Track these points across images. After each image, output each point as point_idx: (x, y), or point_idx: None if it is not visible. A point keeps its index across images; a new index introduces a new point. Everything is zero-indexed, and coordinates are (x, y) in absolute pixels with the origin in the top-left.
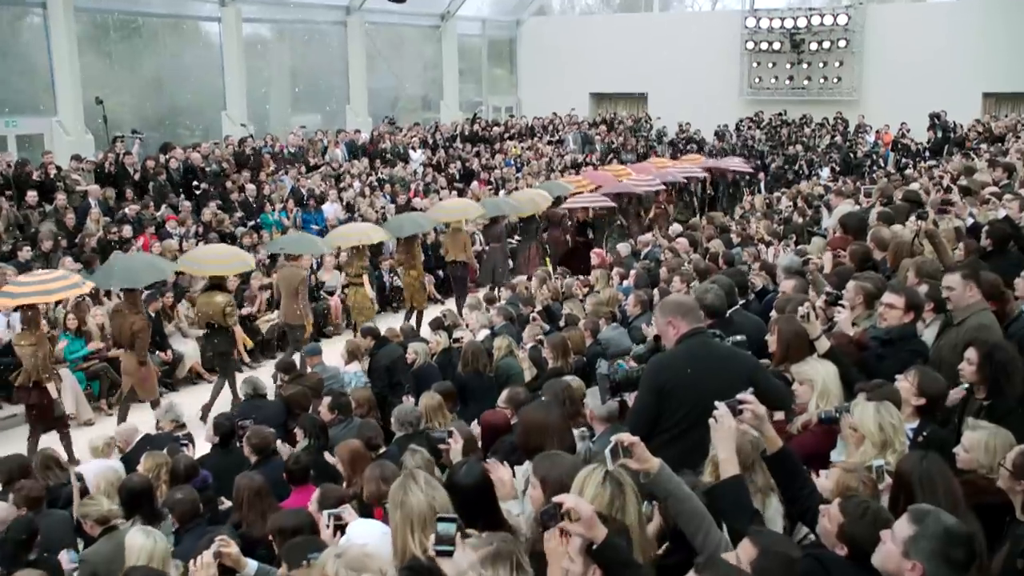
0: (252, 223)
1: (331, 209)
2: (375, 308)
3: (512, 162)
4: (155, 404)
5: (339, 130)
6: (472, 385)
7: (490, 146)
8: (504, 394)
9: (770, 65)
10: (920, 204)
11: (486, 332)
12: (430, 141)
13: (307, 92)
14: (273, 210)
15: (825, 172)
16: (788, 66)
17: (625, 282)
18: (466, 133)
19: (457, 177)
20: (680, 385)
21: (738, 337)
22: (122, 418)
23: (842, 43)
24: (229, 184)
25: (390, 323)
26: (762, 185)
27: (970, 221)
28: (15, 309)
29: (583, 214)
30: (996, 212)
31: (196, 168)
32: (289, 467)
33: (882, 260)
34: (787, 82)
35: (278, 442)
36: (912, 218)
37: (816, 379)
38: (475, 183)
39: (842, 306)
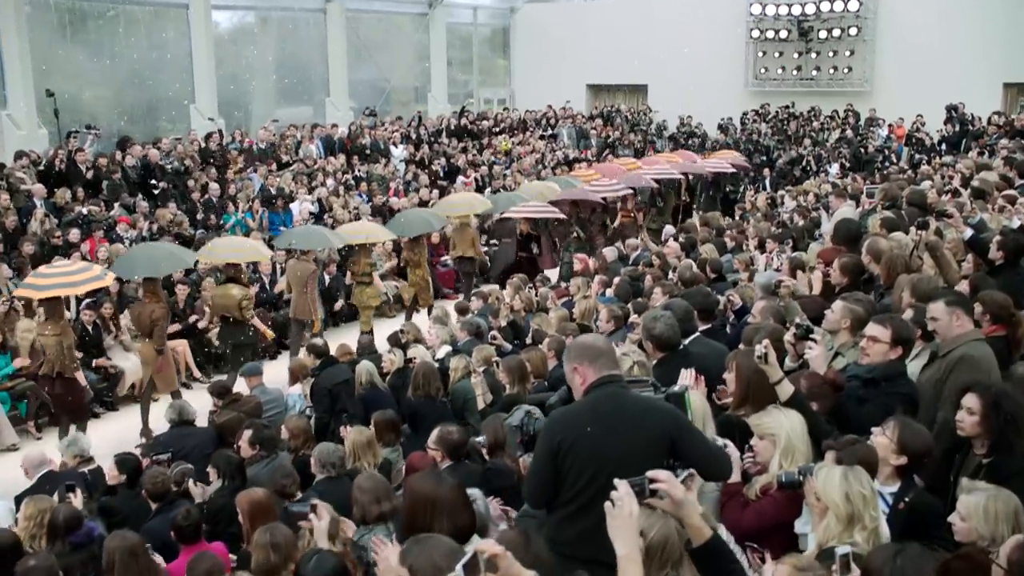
0: (212, 224)
1: (301, 208)
2: (380, 300)
3: (500, 159)
4: (176, 395)
5: (314, 124)
6: (423, 411)
7: (478, 141)
8: (434, 434)
9: (777, 55)
10: (925, 208)
11: (447, 349)
12: (413, 136)
13: (294, 84)
14: (236, 210)
15: (834, 168)
16: (796, 55)
17: (608, 291)
18: (452, 127)
19: (441, 174)
20: (579, 446)
21: (675, 388)
22: (145, 413)
23: (853, 31)
24: (191, 183)
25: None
26: (767, 182)
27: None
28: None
29: (526, 226)
30: (1010, 221)
31: (153, 166)
32: (178, 522)
33: (878, 276)
34: (794, 72)
35: (189, 482)
36: (913, 227)
37: (779, 433)
38: (460, 180)
39: (814, 340)
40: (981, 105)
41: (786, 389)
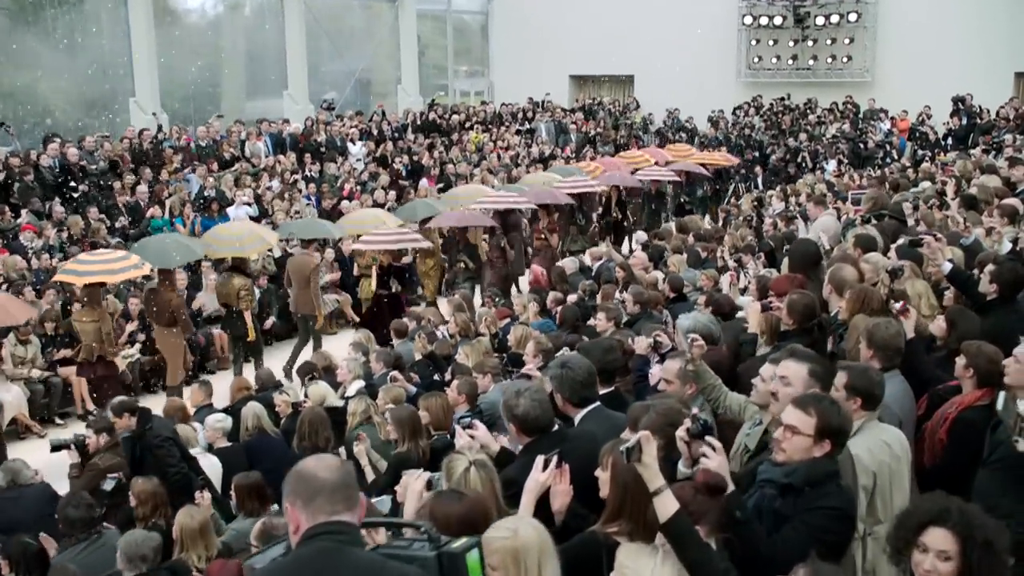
0: (135, 231)
1: (238, 213)
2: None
3: (469, 156)
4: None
5: (260, 120)
6: None
7: (447, 137)
8: (255, 528)
9: (771, 43)
10: (906, 223)
11: (359, 385)
12: (375, 132)
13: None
14: (164, 215)
15: (831, 165)
16: (791, 43)
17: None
18: (419, 122)
19: (403, 173)
20: None
21: (460, 543)
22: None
23: (852, 16)
24: (119, 185)
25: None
26: (759, 180)
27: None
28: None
29: (386, 257)
30: (1000, 244)
31: (73, 167)
32: None
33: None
34: (790, 62)
35: None
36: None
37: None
38: (423, 181)
39: (712, 447)
40: (991, 96)
41: (666, 505)
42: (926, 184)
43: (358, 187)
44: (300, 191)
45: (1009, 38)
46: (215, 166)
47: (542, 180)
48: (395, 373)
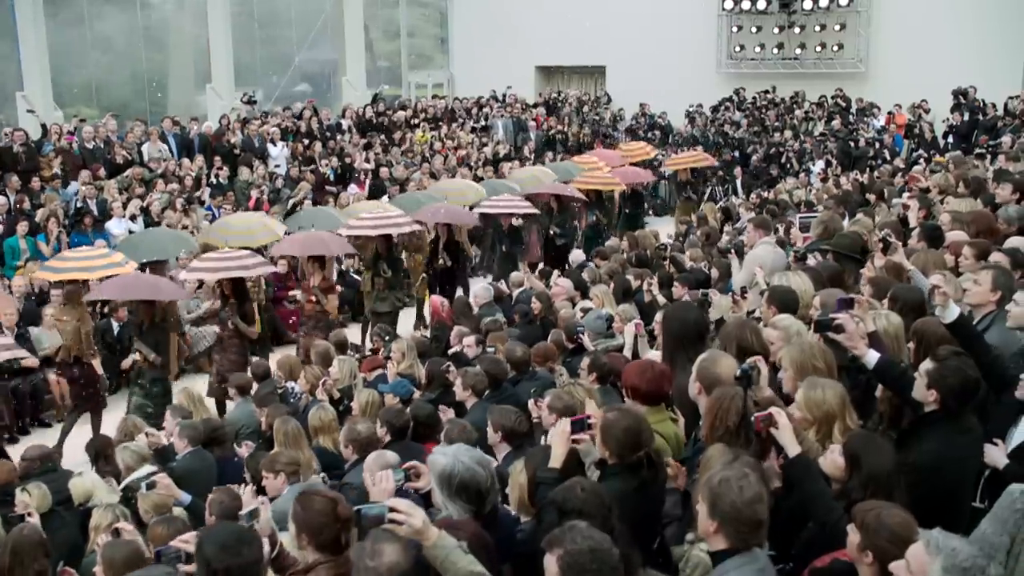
0: None
1: (120, 226)
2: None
3: (411, 159)
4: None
5: (163, 117)
6: None
7: (387, 136)
8: None
9: (754, 29)
10: (861, 256)
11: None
12: (303, 129)
13: (185, 68)
14: (29, 232)
15: (818, 166)
16: (776, 30)
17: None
18: (358, 120)
19: (331, 178)
20: None
21: None
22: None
23: (844, 0)
24: None
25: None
26: (738, 183)
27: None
28: (58, 284)
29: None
30: (945, 310)
31: None
32: None
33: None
34: (775, 51)
35: None
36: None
37: None
38: (352, 187)
39: None
40: (996, 90)
41: None
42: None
43: (270, 195)
44: (201, 201)
45: (1016, 26)
46: (102, 171)
47: (531, 173)
48: (159, 477)
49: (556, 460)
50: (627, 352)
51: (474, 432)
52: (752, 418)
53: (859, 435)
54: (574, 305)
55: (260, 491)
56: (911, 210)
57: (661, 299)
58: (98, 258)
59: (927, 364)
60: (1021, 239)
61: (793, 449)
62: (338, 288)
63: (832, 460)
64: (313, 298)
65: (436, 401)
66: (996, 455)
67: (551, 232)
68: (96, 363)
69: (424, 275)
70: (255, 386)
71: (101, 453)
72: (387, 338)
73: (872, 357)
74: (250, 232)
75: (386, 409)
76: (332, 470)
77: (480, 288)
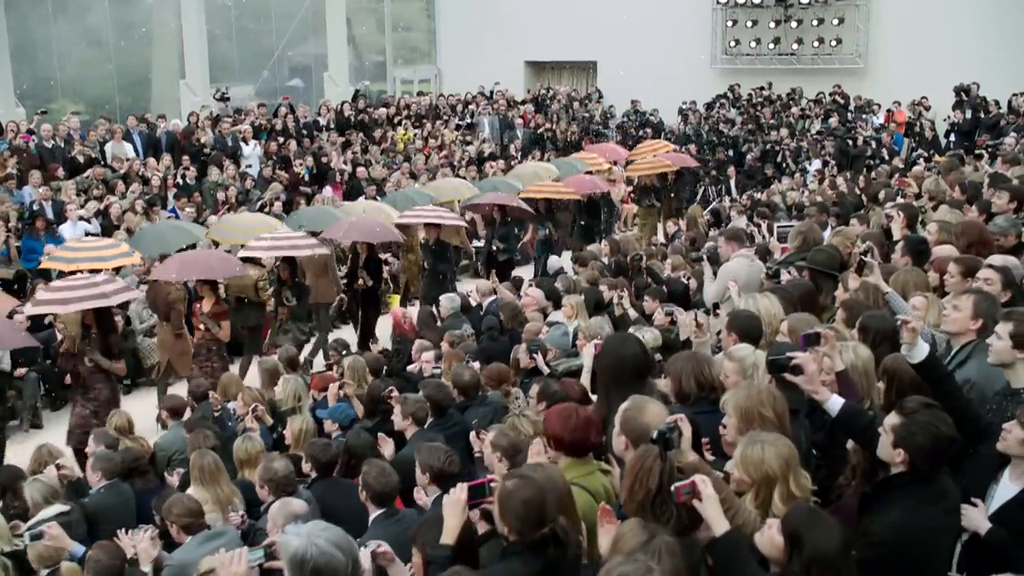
0: None
1: (74, 230)
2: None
3: (392, 158)
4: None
5: (130, 114)
6: None
7: (366, 134)
8: None
9: (749, 24)
10: (837, 273)
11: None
12: (279, 127)
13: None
14: None
15: (815, 165)
16: (772, 24)
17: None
18: (337, 117)
19: (306, 178)
20: None
21: None
22: (162, 393)
23: None
24: None
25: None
26: (732, 183)
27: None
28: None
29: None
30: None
31: None
32: None
33: None
34: (771, 46)
35: None
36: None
37: None
38: (327, 189)
39: None
40: (1000, 86)
41: None
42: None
43: (239, 196)
44: (164, 203)
45: (1023, 18)
46: (60, 171)
47: (532, 169)
48: (48, 526)
49: (449, 535)
50: (585, 376)
51: (392, 475)
52: (672, 488)
53: (801, 509)
54: (545, 317)
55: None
56: (894, 221)
57: (633, 313)
58: (107, 248)
59: (893, 418)
60: (1010, 257)
61: (719, 526)
62: None
63: (769, 538)
64: (202, 326)
65: (376, 429)
66: (976, 518)
67: (493, 248)
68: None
69: (415, 277)
70: (189, 409)
71: (8, 487)
72: (344, 353)
73: (835, 403)
74: (254, 231)
75: (311, 442)
76: (257, 507)
77: (445, 299)
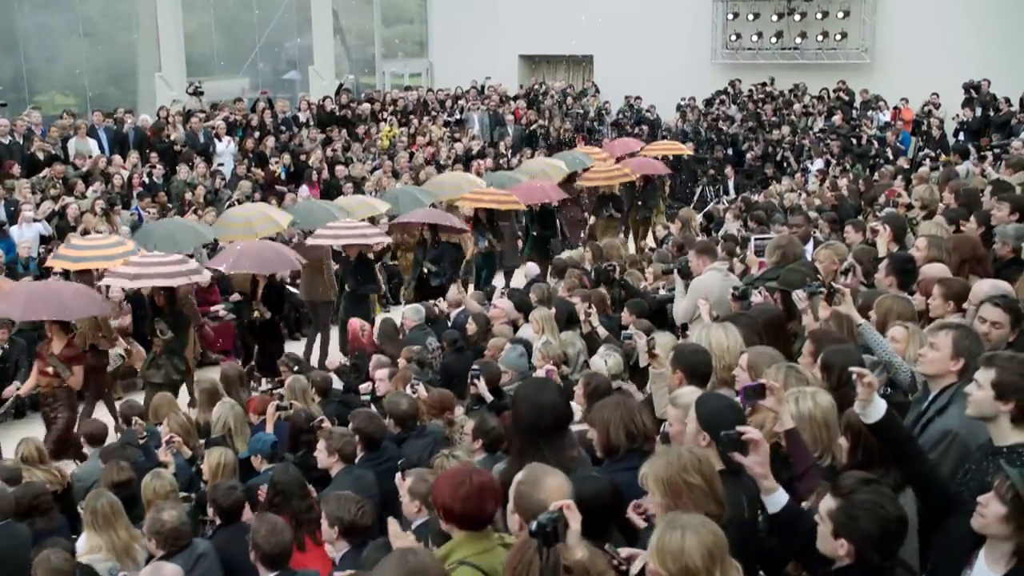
0: None
1: (25, 233)
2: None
3: (376, 154)
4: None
5: (95, 110)
6: None
7: (350, 130)
8: None
9: (751, 17)
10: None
11: None
12: (255, 123)
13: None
14: None
15: (817, 164)
16: (775, 18)
17: None
18: (318, 112)
19: (282, 176)
20: None
21: None
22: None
23: None
24: None
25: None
26: (730, 183)
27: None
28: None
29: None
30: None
31: None
32: None
33: None
34: (773, 40)
35: None
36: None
37: None
38: (304, 188)
39: None
40: (1012, 83)
41: None
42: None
43: (208, 195)
44: (126, 203)
45: None
46: (15, 169)
47: (540, 166)
48: None
49: None
50: None
51: (285, 532)
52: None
53: None
54: (516, 331)
55: None
56: (880, 235)
57: (602, 331)
58: (112, 247)
59: (829, 502)
60: (1000, 283)
61: None
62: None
63: None
64: (50, 369)
65: (304, 463)
66: None
67: (424, 270)
68: (112, 352)
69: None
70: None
71: None
72: (295, 368)
73: (777, 500)
74: (249, 224)
75: (214, 484)
76: None
77: (410, 310)
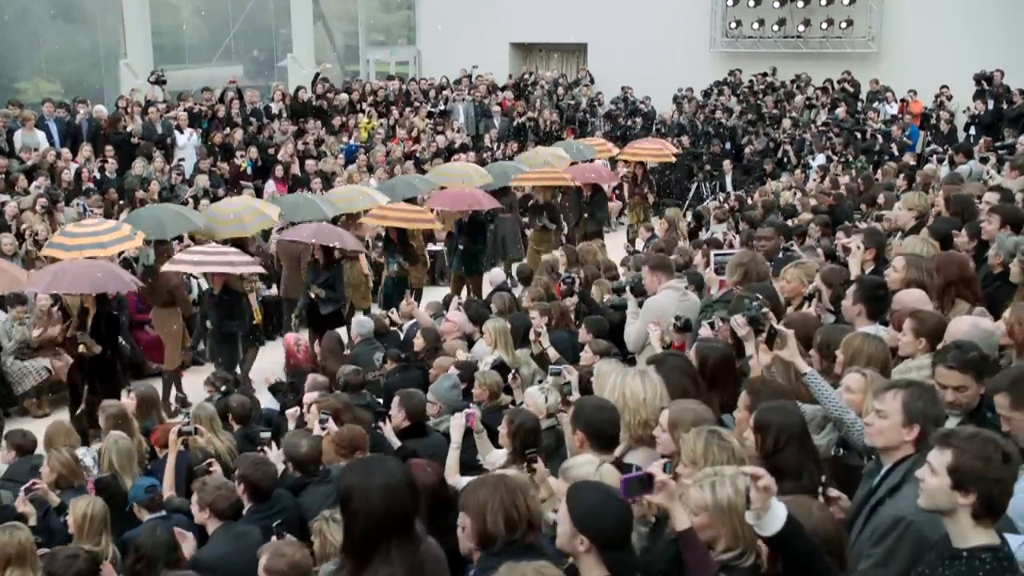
0: None
1: None
2: (370, 286)
3: (355, 146)
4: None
5: (44, 100)
6: None
7: (324, 121)
8: None
9: (751, 3)
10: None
11: None
12: (221, 114)
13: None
14: None
15: (819, 159)
16: (777, 4)
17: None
18: (291, 103)
19: (248, 171)
20: None
21: None
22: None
23: None
24: None
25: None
26: (728, 180)
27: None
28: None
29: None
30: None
31: None
32: None
33: None
34: (775, 28)
35: None
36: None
37: None
38: (270, 183)
39: None
40: None
41: None
42: (896, 208)
43: (163, 192)
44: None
45: None
46: None
47: (543, 158)
48: None
49: None
50: (451, 456)
51: None
52: None
53: None
54: (471, 345)
55: None
56: (853, 255)
57: (553, 352)
58: (106, 232)
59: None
60: (982, 320)
61: None
62: None
63: None
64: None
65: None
66: None
67: (312, 295)
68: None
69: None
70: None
71: None
72: (223, 389)
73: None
74: (239, 220)
75: (53, 552)
76: None
77: (356, 321)
